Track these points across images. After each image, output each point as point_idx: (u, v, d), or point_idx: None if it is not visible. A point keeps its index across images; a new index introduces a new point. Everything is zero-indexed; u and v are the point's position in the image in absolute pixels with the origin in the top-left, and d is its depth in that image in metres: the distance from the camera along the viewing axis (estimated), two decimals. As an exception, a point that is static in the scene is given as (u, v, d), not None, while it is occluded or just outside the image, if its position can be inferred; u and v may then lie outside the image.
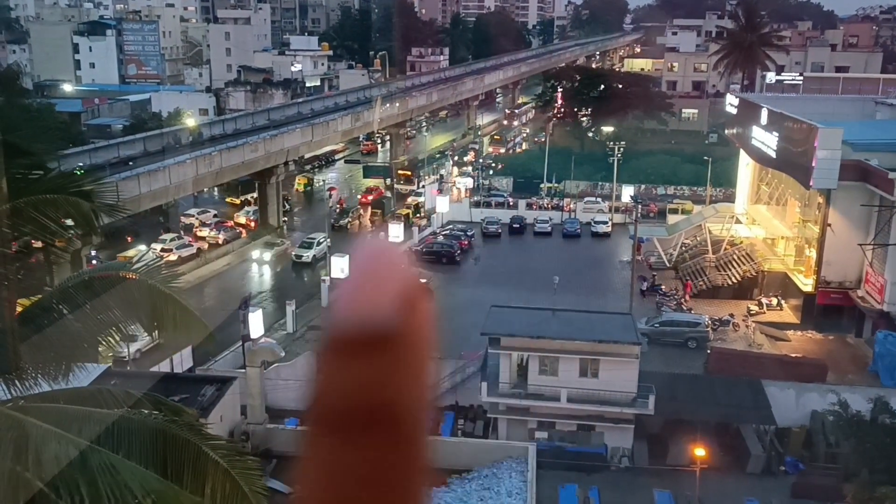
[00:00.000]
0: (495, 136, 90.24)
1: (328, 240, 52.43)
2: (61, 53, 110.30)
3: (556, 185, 70.02)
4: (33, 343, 8.79)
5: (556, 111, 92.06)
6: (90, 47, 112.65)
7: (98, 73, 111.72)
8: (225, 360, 34.30)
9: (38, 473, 7.41)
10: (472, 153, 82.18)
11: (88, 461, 7.53)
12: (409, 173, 74.21)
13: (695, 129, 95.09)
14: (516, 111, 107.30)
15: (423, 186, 68.55)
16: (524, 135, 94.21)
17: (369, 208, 65.32)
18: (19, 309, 9.58)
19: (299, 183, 72.98)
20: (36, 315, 9.18)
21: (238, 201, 65.83)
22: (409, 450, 0.67)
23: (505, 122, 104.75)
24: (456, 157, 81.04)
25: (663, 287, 48.42)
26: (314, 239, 54.02)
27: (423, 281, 0.71)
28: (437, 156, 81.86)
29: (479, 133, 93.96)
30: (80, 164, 44.70)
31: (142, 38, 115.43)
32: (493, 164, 79.56)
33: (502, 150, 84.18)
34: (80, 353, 9.26)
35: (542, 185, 70.07)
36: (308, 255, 53.11)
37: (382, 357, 0.66)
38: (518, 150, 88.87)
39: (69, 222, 9.92)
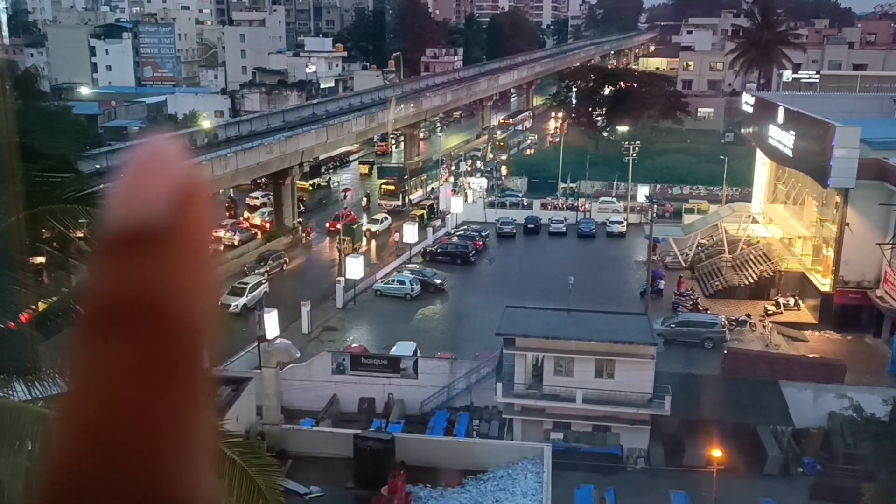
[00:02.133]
0: (499, 143, 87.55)
1: (265, 284, 45.87)
2: (78, 56, 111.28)
3: (572, 185, 69.75)
4: (52, 344, 8.87)
5: (570, 111, 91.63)
6: (107, 50, 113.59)
7: (114, 75, 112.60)
8: (240, 361, 34.46)
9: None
10: (469, 162, 78.32)
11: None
12: (392, 188, 67.15)
13: (711, 129, 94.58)
14: (512, 118, 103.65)
15: (409, 201, 65.74)
16: (532, 140, 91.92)
17: (337, 236, 53.53)
18: (39, 310, 9.67)
19: (303, 184, 71.75)
20: (55, 316, 9.26)
21: (308, 186, 70.00)
22: (178, 347, 0.63)
23: (504, 124, 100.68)
24: (453, 166, 77.10)
25: (662, 284, 48.17)
26: (247, 284, 44.83)
27: (198, 179, 0.66)
28: (442, 158, 78.59)
29: (492, 135, 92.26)
30: (97, 165, 45.08)
31: (158, 40, 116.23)
32: (502, 168, 77.05)
33: (504, 157, 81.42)
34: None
35: (562, 185, 69.69)
36: (237, 303, 42.70)
37: (150, 253, 0.63)
38: (529, 151, 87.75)
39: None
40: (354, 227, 56.56)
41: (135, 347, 0.61)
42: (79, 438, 0.61)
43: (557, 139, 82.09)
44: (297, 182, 69.93)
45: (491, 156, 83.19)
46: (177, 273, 0.63)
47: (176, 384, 0.63)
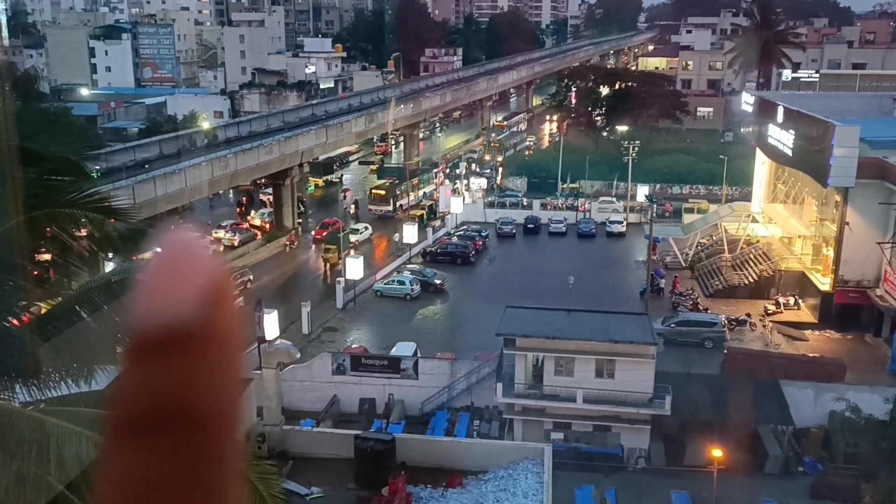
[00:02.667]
0: (494, 144, 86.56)
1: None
2: (78, 57, 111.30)
3: (574, 185, 69.55)
4: (53, 346, 8.88)
5: (570, 111, 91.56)
6: (106, 51, 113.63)
7: (114, 76, 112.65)
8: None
9: (60, 473, 7.48)
10: (465, 164, 76.18)
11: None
12: (383, 192, 64.43)
13: (710, 128, 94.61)
14: (507, 120, 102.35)
15: (400, 206, 63.38)
16: (530, 141, 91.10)
17: (322, 245, 53.71)
18: (40, 313, 9.67)
19: (312, 183, 72.31)
20: (56, 319, 9.27)
21: (321, 181, 71.70)
22: (211, 455, 0.62)
23: (499, 126, 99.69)
24: (448, 169, 75.95)
25: (662, 283, 48.16)
26: None
27: (226, 275, 0.66)
28: (438, 160, 77.92)
29: (488, 136, 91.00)
30: (97, 166, 45.07)
31: (157, 41, 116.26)
32: (499, 170, 75.83)
33: (500, 158, 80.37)
34: (99, 356, 9.34)
35: (563, 186, 69.36)
36: None
37: (182, 357, 0.62)
38: (527, 152, 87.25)
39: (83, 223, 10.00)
40: (340, 235, 53.15)
41: (170, 456, 0.60)
42: None
43: (557, 139, 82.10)
44: (311, 178, 70.32)
45: (487, 157, 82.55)
46: (210, 376, 0.62)
47: (210, 493, 0.62)
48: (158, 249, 0.64)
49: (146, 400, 0.61)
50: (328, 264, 51.17)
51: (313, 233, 58.18)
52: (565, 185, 69.58)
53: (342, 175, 78.01)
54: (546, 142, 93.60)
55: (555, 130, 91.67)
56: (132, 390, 0.61)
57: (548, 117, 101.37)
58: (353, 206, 65.42)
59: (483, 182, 70.83)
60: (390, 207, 63.71)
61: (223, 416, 0.63)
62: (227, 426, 0.63)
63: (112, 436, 0.62)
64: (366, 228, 59.04)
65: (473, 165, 78.17)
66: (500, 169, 76.34)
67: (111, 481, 0.60)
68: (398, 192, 65.58)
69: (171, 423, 0.60)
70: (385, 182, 67.27)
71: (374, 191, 65.64)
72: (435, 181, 71.16)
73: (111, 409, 0.62)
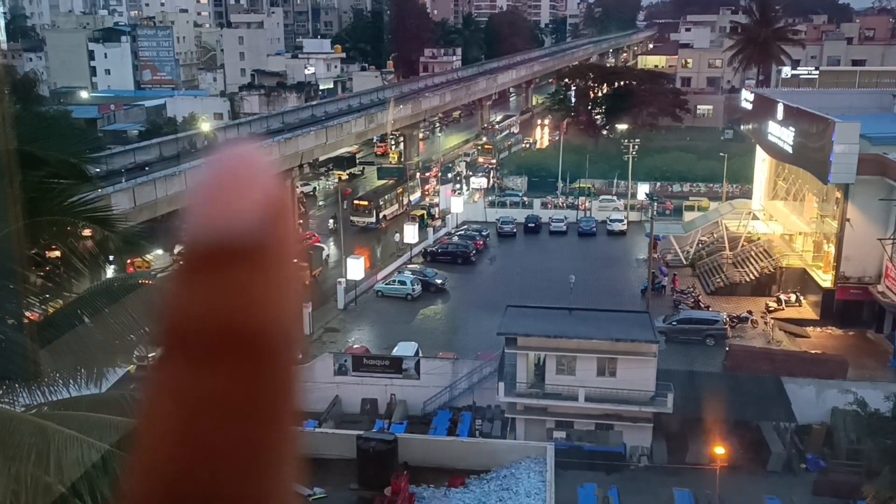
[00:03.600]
0: (486, 146, 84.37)
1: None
2: (77, 60, 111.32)
3: (586, 184, 68.44)
4: (55, 350, 8.88)
5: (570, 110, 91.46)
6: (105, 54, 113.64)
7: (113, 79, 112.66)
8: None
9: (60, 478, 7.49)
10: (456, 170, 75.02)
11: (110, 465, 7.60)
12: (365, 203, 60.23)
13: (710, 126, 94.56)
14: (498, 123, 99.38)
15: (384, 217, 59.78)
16: (525, 144, 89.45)
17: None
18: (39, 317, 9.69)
19: (336, 176, 73.49)
20: (57, 322, 9.28)
21: (345, 175, 71.93)
22: (272, 379, 0.58)
23: (490, 129, 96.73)
24: (440, 173, 73.96)
25: (665, 280, 48.11)
26: None
27: (284, 189, 0.61)
28: (430, 164, 75.78)
29: (479, 139, 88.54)
30: (97, 169, 45.06)
31: (156, 43, 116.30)
32: (490, 173, 74.46)
33: (494, 161, 78.52)
34: (100, 359, 9.35)
35: (575, 185, 68.89)
36: None
37: (242, 273, 0.57)
38: (523, 154, 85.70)
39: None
40: (312, 251, 49.58)
41: (225, 375, 0.57)
42: (158, 476, 0.57)
43: (556, 137, 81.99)
44: (335, 172, 71.16)
45: (481, 160, 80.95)
46: (267, 292, 0.58)
47: (267, 415, 0.59)
48: (214, 160, 0.59)
49: (203, 316, 0.57)
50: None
51: None
52: (576, 185, 69.20)
53: (363, 169, 77.42)
54: (543, 142, 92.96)
55: (555, 129, 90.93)
56: (188, 306, 0.58)
57: (539, 121, 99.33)
58: (330, 221, 59.73)
59: (483, 182, 70.81)
60: (373, 219, 59.19)
61: (282, 334, 0.59)
62: (285, 345, 0.59)
63: (166, 353, 0.58)
64: (323, 249, 53.17)
65: (465, 170, 76.03)
66: (492, 171, 75.11)
67: (164, 402, 0.57)
68: (382, 203, 61.45)
69: (228, 340, 0.57)
70: (379, 185, 64.92)
71: (355, 202, 61.27)
72: (426, 187, 68.58)
73: (165, 325, 0.58)
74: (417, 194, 66.63)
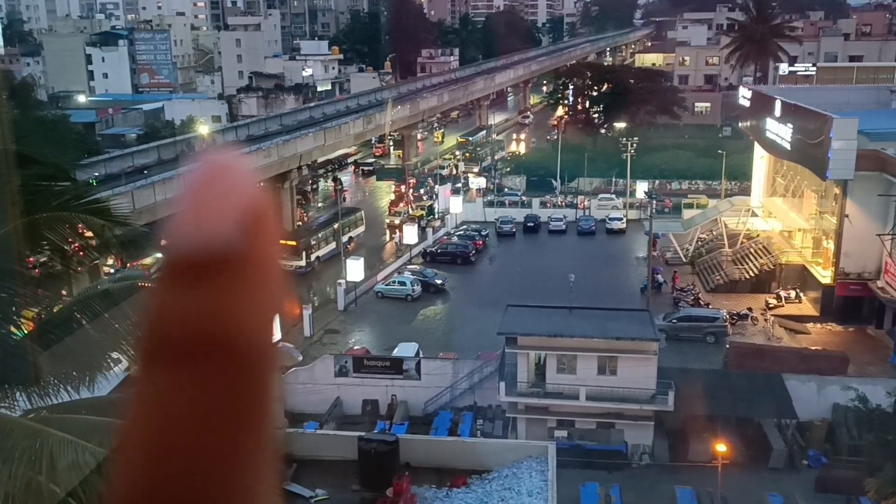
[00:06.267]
0: (466, 154, 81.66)
1: None
2: (74, 64, 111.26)
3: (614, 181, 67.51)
4: (53, 354, 8.87)
5: (567, 109, 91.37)
6: (103, 58, 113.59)
7: (111, 83, 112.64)
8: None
9: (54, 482, 7.47)
10: (430, 181, 71.71)
11: (106, 469, 7.59)
12: (293, 244, 49.77)
13: (708, 123, 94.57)
14: (470, 136, 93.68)
15: (317, 259, 51.66)
16: (511, 152, 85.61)
17: None
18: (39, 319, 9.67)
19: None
20: (55, 326, 9.26)
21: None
22: (250, 387, 0.58)
23: (461, 143, 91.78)
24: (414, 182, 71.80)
25: (661, 279, 48.06)
26: None
27: (265, 196, 0.61)
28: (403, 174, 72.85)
29: (455, 152, 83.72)
30: (96, 173, 45.09)
31: (153, 47, 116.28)
32: (470, 178, 71.57)
33: (476, 170, 76.21)
34: (99, 363, 9.34)
35: (573, 184, 68.57)
36: None
37: (219, 278, 0.58)
38: (509, 157, 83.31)
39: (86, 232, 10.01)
40: None
41: (203, 383, 0.57)
42: (137, 483, 0.57)
43: (554, 136, 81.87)
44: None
45: (457, 169, 76.79)
46: (247, 300, 0.59)
47: (244, 423, 0.58)
48: (196, 168, 0.59)
49: (180, 323, 0.57)
50: None
51: None
52: (573, 184, 68.92)
53: (316, 183, 76.88)
54: (521, 149, 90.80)
55: (518, 150, 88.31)
56: (166, 313, 0.58)
57: (512, 139, 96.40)
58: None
59: (483, 182, 70.68)
60: (302, 262, 50.03)
61: (260, 343, 0.59)
62: (263, 354, 0.59)
63: (143, 360, 0.58)
64: None
65: (435, 185, 70.12)
66: (472, 176, 72.55)
67: (141, 409, 0.57)
68: (314, 242, 52.68)
69: (205, 348, 0.57)
70: (312, 220, 57.37)
71: (281, 242, 53.96)
72: (361, 224, 58.52)
73: (143, 332, 0.59)
74: (362, 228, 57.61)
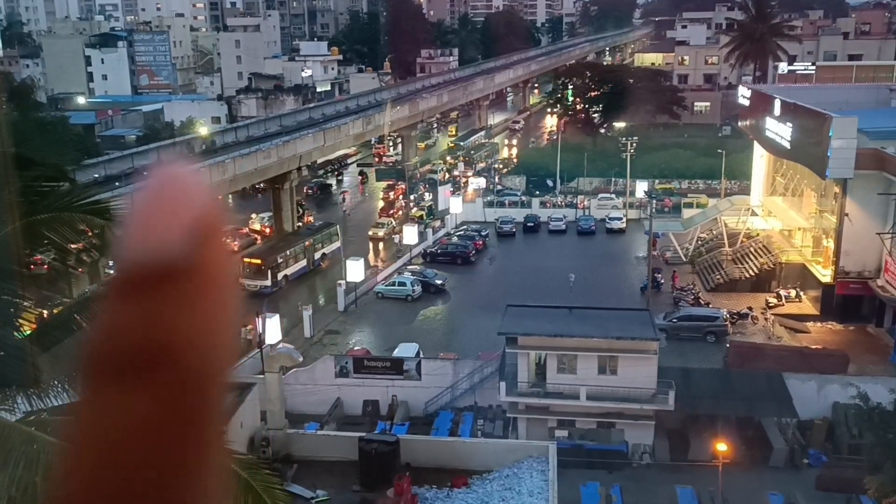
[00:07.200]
0: (461, 157, 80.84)
1: None
2: (74, 66, 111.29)
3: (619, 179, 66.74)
4: (54, 356, 8.87)
5: (567, 109, 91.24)
6: (102, 59, 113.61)
7: (111, 84, 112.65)
8: (243, 366, 34.45)
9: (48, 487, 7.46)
10: (423, 186, 71.23)
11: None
12: (258, 261, 46.48)
13: (707, 122, 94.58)
14: (462, 140, 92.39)
15: (285, 277, 48.36)
16: (500, 164, 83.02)
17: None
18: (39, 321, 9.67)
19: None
20: (56, 327, 9.26)
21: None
22: (196, 400, 0.58)
23: (451, 147, 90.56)
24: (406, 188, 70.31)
25: (661, 279, 48.01)
26: None
27: (217, 210, 0.61)
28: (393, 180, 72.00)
29: (446, 157, 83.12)
30: (96, 175, 45.11)
31: (153, 48, 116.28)
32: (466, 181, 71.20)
33: (470, 174, 75.28)
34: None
35: (572, 184, 68.38)
36: None
37: (167, 292, 0.57)
38: (498, 165, 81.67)
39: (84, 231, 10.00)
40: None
41: (149, 398, 0.56)
42: (83, 496, 0.56)
43: (554, 136, 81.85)
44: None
45: (456, 173, 76.19)
46: (195, 315, 0.58)
47: (191, 438, 0.58)
48: (147, 180, 0.59)
49: (126, 337, 0.57)
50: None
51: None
52: (572, 184, 68.77)
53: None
54: (510, 152, 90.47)
55: (510, 156, 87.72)
56: (112, 327, 0.57)
57: (505, 144, 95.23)
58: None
59: (482, 182, 70.65)
60: (268, 282, 46.09)
61: (208, 357, 0.58)
62: (212, 368, 0.59)
63: (89, 375, 0.57)
64: None
65: (425, 191, 69.99)
66: (473, 180, 72.21)
67: (87, 425, 0.56)
68: (280, 260, 48.43)
69: (151, 362, 0.56)
70: (279, 237, 53.80)
71: (245, 259, 46.17)
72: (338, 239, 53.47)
73: (89, 346, 0.58)
74: (337, 243, 52.43)
